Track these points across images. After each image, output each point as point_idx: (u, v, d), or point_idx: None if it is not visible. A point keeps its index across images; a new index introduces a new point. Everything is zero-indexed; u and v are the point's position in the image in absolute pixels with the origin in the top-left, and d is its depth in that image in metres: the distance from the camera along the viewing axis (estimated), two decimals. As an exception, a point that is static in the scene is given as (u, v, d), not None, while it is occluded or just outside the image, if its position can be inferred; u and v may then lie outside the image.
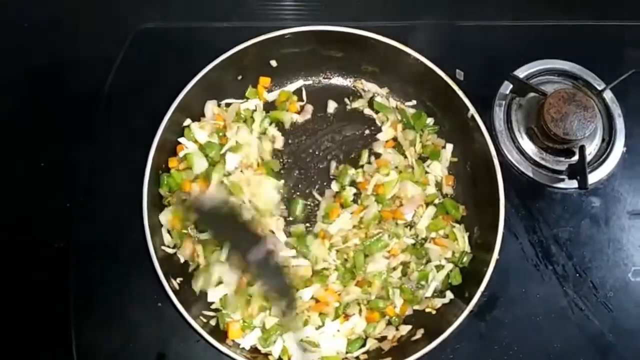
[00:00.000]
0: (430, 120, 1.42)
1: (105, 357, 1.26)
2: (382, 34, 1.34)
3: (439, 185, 1.39)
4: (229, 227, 1.15)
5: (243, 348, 1.25)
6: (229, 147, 1.34)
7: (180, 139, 1.34)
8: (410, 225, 1.35)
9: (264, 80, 1.42)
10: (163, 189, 1.30)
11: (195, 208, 1.20)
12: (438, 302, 1.30)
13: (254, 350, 1.25)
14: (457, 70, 1.42)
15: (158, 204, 1.31)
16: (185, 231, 1.29)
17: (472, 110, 1.30)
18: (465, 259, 1.31)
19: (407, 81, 1.42)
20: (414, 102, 1.44)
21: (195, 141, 1.35)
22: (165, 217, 1.29)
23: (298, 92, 1.45)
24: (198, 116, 1.38)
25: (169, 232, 1.30)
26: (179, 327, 1.22)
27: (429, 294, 1.30)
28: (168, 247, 1.29)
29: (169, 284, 1.21)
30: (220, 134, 1.36)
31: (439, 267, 1.32)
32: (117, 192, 1.33)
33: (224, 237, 1.15)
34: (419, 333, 1.26)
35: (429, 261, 1.32)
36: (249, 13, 1.52)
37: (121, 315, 1.28)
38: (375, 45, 1.34)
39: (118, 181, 1.33)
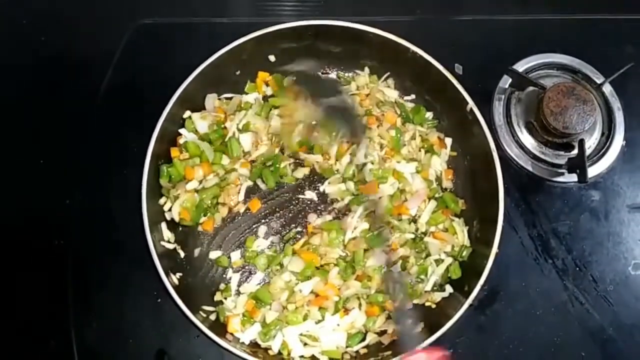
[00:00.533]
0: (429, 115, 1.42)
1: (105, 353, 1.27)
2: (381, 29, 1.34)
3: (438, 180, 1.39)
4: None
5: (243, 342, 1.25)
6: (236, 129, 1.36)
7: (181, 130, 1.35)
8: (414, 219, 1.35)
9: (263, 75, 1.42)
10: (163, 180, 1.30)
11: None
12: (438, 296, 1.30)
13: (254, 344, 1.25)
14: (456, 65, 1.42)
15: (157, 199, 1.31)
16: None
17: (471, 103, 1.30)
18: (464, 253, 1.31)
19: (405, 75, 1.42)
20: (413, 96, 1.44)
21: (196, 132, 1.35)
22: (176, 210, 1.30)
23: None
24: (197, 110, 1.38)
25: (168, 227, 1.30)
26: (178, 322, 1.22)
27: (428, 287, 1.30)
28: (168, 242, 1.29)
29: (169, 280, 1.21)
30: (222, 125, 1.37)
31: (438, 261, 1.31)
32: (116, 189, 1.33)
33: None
34: (419, 327, 1.25)
35: (428, 255, 1.32)
36: (247, 8, 1.51)
37: (121, 311, 1.28)
38: (374, 40, 1.34)
39: (117, 177, 1.34)
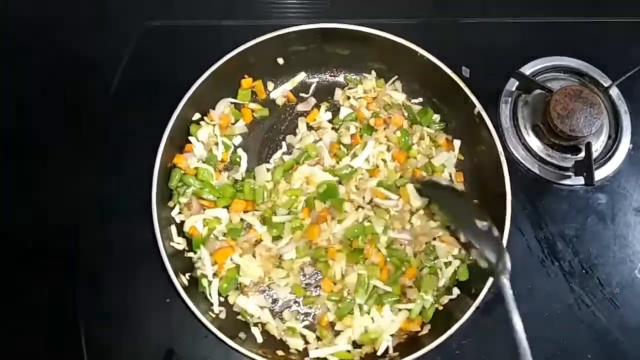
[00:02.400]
0: (436, 117, 1.42)
1: (114, 353, 1.28)
2: (389, 32, 1.34)
3: (451, 182, 1.39)
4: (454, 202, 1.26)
5: (255, 342, 1.25)
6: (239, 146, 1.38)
7: (190, 138, 1.36)
8: None
9: (247, 82, 1.42)
10: (173, 184, 1.31)
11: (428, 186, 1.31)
12: (445, 298, 1.30)
13: (263, 345, 1.26)
14: (463, 68, 1.43)
15: (167, 201, 1.32)
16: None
17: (479, 107, 1.30)
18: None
19: (413, 78, 1.42)
20: (420, 99, 1.44)
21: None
22: (187, 225, 1.31)
23: (305, 85, 1.46)
24: (207, 112, 1.39)
25: (177, 229, 1.31)
26: (187, 322, 1.22)
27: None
28: (177, 243, 1.30)
29: (178, 280, 1.21)
30: (229, 133, 1.39)
31: (446, 264, 1.32)
32: (126, 189, 1.34)
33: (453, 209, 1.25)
34: (426, 329, 1.27)
35: (436, 257, 1.32)
36: (255, 11, 1.53)
37: (130, 311, 1.29)
38: (381, 43, 1.34)
39: (127, 178, 1.34)
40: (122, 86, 1.44)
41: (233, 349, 1.19)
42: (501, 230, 1.24)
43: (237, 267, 1.29)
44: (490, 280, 1.22)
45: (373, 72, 1.45)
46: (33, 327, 1.28)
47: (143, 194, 1.26)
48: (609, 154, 1.42)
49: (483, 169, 1.35)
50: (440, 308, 1.29)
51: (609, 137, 1.44)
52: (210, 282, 1.27)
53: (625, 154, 1.42)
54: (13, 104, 1.43)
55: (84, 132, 1.40)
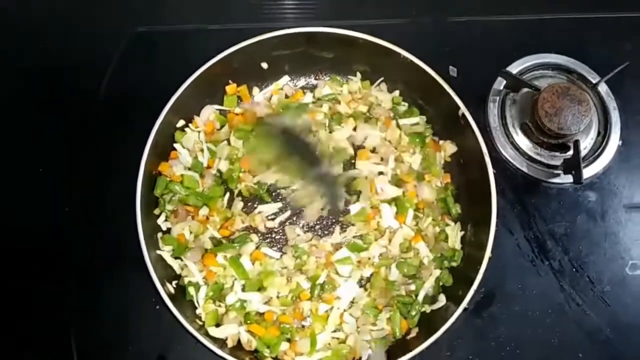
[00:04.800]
0: (422, 118, 1.41)
1: (105, 360, 1.28)
2: (375, 33, 1.33)
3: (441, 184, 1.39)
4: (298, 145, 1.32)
5: (243, 349, 1.25)
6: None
7: (176, 145, 1.36)
8: None
9: (232, 89, 1.41)
10: (159, 192, 1.31)
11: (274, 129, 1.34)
12: (429, 308, 1.29)
13: (252, 351, 1.26)
14: (450, 67, 1.42)
15: (153, 208, 1.32)
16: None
17: (463, 108, 1.29)
18: (456, 257, 1.30)
19: (398, 80, 1.42)
20: (406, 103, 1.43)
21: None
22: (175, 232, 1.31)
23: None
24: (192, 119, 1.39)
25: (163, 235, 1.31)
26: (177, 329, 1.22)
27: (420, 299, 1.29)
28: (164, 251, 1.30)
29: (164, 289, 1.21)
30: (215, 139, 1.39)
31: (419, 283, 1.30)
32: (115, 195, 1.34)
33: (295, 152, 1.31)
34: (414, 332, 1.27)
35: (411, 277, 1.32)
36: (240, 16, 1.52)
37: (120, 318, 1.29)
38: (366, 45, 1.33)
39: (115, 184, 1.34)
40: (110, 92, 1.44)
41: (221, 357, 1.19)
42: (488, 231, 1.24)
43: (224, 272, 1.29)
44: (477, 282, 1.21)
45: (358, 74, 1.44)
46: (22, 335, 1.29)
47: (129, 202, 1.25)
48: (599, 150, 1.41)
49: (470, 170, 1.35)
50: (428, 311, 1.29)
51: (599, 133, 1.43)
52: (198, 288, 1.27)
53: (615, 150, 1.41)
54: (1, 110, 1.43)
55: (71, 138, 1.40)
